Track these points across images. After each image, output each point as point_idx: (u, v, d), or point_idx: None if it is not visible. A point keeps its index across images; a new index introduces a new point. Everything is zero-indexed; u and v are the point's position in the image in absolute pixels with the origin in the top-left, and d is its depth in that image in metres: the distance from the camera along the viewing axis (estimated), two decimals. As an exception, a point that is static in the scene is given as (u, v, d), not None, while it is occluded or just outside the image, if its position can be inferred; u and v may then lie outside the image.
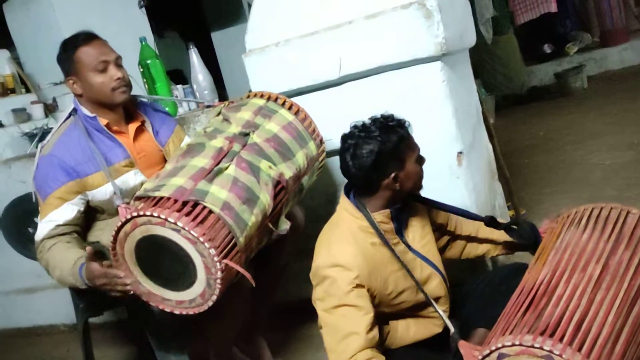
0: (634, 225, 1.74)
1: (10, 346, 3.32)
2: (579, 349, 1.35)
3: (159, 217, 1.66)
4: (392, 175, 1.68)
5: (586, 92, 5.28)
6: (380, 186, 1.71)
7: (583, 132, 4.04)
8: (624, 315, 1.49)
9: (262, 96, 2.08)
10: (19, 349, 3.25)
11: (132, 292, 1.77)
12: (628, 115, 4.08)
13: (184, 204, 1.69)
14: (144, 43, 2.74)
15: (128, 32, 3.12)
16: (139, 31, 3.35)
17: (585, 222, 1.78)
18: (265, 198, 1.83)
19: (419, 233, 1.82)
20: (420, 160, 1.75)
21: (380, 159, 1.66)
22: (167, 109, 2.54)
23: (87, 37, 2.01)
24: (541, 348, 1.34)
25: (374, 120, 1.71)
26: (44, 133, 3.40)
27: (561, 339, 1.36)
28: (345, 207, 1.76)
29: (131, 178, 2.05)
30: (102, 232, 2.05)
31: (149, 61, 2.73)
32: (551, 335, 1.38)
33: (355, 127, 1.72)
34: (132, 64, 2.47)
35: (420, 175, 1.75)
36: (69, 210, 1.97)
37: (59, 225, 1.95)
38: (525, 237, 1.92)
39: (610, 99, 4.72)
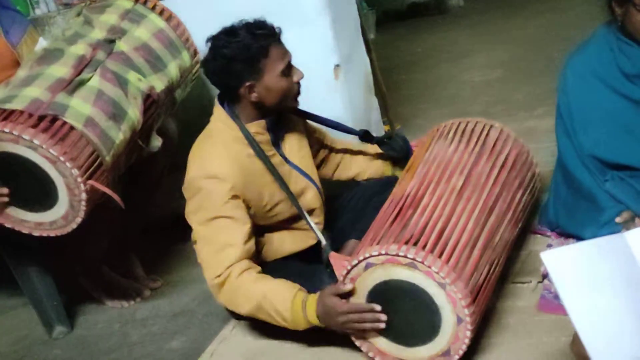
0: (495, 138, 1.84)
1: None
2: (440, 256, 1.43)
3: (11, 133, 1.52)
4: (247, 84, 1.63)
5: (462, 10, 5.39)
6: (238, 95, 1.65)
7: (458, 49, 4.16)
8: (482, 223, 1.60)
9: None
10: None
11: None
12: (500, 35, 4.23)
13: (41, 118, 1.56)
14: None
15: None
16: None
17: (452, 135, 1.85)
18: (134, 113, 1.72)
19: (296, 145, 1.80)
20: (289, 74, 1.66)
21: (231, 65, 1.60)
22: (17, 7, 2.27)
23: None
24: (405, 256, 1.40)
25: (243, 24, 1.63)
26: None
27: (424, 247, 1.43)
28: (219, 117, 1.70)
29: None
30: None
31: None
32: (415, 244, 1.44)
33: (223, 29, 1.64)
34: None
35: (286, 90, 1.66)
36: None
37: None
38: (398, 150, 1.97)
39: (484, 17, 4.85)
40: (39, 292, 1.91)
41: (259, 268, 1.63)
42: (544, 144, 2.26)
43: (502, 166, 1.76)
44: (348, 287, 1.46)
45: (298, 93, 1.71)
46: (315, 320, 1.51)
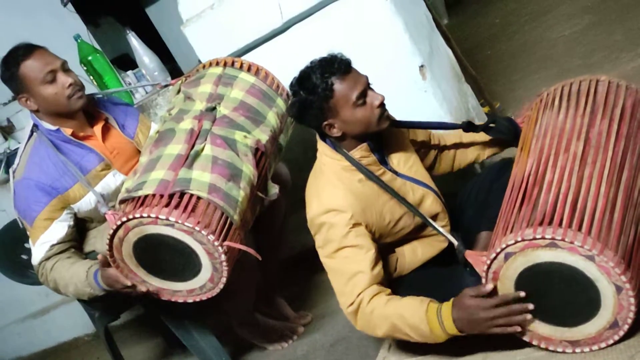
0: (605, 92, 1.74)
1: (42, 369, 3.37)
2: (579, 228, 1.37)
3: (149, 216, 1.65)
4: (325, 124, 1.66)
5: (531, -33, 5.19)
6: (324, 132, 1.70)
7: (537, 8, 3.99)
8: (615, 183, 1.51)
9: (217, 64, 2.03)
10: (51, 369, 3.31)
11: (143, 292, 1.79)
12: (576, -20, 4.03)
13: (171, 196, 1.68)
14: (79, 40, 2.66)
15: (60, 33, 2.99)
16: (72, 29, 3.21)
17: (558, 101, 1.78)
18: (249, 169, 1.81)
19: (403, 157, 1.81)
20: (365, 102, 1.64)
21: (305, 109, 1.66)
22: (124, 100, 2.48)
23: (26, 50, 1.94)
24: (543, 238, 1.36)
25: (314, 65, 1.66)
26: (9, 157, 3.32)
27: (560, 224, 1.38)
28: (323, 151, 1.75)
29: (111, 180, 2.03)
30: (96, 241, 2.05)
31: (89, 57, 2.66)
32: (550, 223, 1.40)
33: (298, 73, 1.69)
34: (74, 64, 2.40)
35: (367, 118, 1.66)
36: (60, 228, 1.96)
37: (53, 245, 1.95)
38: (505, 132, 1.91)
39: (555, -34, 4.65)
40: (206, 352, 2.04)
41: (389, 290, 1.64)
42: (659, 81, 2.11)
43: (621, 119, 1.66)
44: (489, 287, 1.43)
45: (382, 116, 1.68)
46: (453, 329, 1.48)
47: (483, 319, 1.45)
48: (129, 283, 1.76)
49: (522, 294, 1.41)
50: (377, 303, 1.59)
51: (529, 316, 1.42)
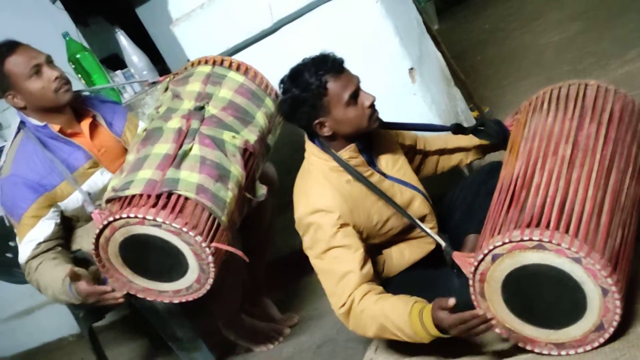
0: (594, 96, 1.75)
1: (26, 370, 3.33)
2: (567, 231, 1.38)
3: (136, 217, 1.63)
4: (316, 122, 1.66)
5: (520, -26, 5.23)
6: (314, 131, 1.69)
7: (526, 14, 4.02)
8: (603, 186, 1.52)
9: (206, 62, 2.01)
10: (34, 370, 3.27)
11: (126, 293, 1.78)
12: (565, -13, 4.06)
13: (158, 197, 1.66)
14: (68, 38, 2.64)
15: (49, 31, 2.97)
16: (61, 27, 3.19)
17: (547, 105, 1.78)
18: (237, 169, 1.80)
19: (391, 159, 1.81)
20: (357, 102, 1.65)
21: (297, 107, 1.65)
22: (111, 98, 2.47)
23: (9, 47, 1.92)
24: (531, 239, 1.37)
25: (306, 63, 1.66)
26: (-4, 154, 3.28)
27: (548, 226, 1.39)
28: (312, 151, 1.74)
29: (99, 178, 2.00)
30: (82, 239, 2.03)
31: (78, 55, 2.63)
32: (537, 225, 1.40)
33: (289, 71, 1.68)
34: (62, 62, 2.37)
35: (357, 118, 1.66)
36: (46, 226, 1.93)
37: (40, 243, 1.92)
38: (494, 135, 1.92)
39: (545, -27, 4.68)
40: (192, 353, 2.03)
41: (380, 288, 1.64)
42: (647, 87, 2.13)
43: (609, 123, 1.67)
44: (451, 301, 1.43)
45: (372, 116, 1.68)
46: (435, 332, 1.48)
47: (452, 332, 1.46)
48: (99, 295, 1.76)
49: (480, 312, 1.43)
50: (367, 303, 1.59)
51: (495, 326, 1.44)
